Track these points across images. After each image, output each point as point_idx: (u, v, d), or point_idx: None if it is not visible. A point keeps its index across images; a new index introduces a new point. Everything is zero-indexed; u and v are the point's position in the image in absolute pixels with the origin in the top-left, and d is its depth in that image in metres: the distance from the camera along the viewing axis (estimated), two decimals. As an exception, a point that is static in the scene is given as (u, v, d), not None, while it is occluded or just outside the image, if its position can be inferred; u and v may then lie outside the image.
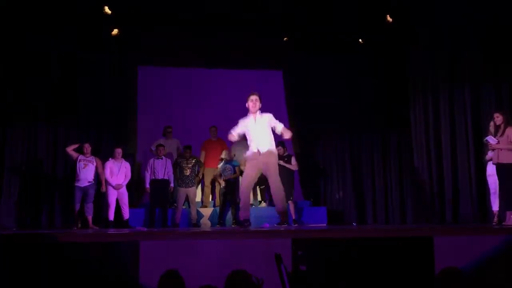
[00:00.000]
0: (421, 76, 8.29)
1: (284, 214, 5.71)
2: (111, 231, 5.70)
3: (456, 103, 7.77)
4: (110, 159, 8.05)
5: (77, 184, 7.73)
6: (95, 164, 7.84)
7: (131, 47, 8.95)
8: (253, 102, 5.62)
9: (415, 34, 8.33)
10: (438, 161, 7.99)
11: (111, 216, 7.88)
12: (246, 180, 5.64)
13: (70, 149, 7.85)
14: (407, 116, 8.54)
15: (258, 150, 5.55)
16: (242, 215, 5.60)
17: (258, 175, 5.79)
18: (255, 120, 5.64)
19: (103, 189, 7.86)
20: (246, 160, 5.76)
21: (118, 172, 7.98)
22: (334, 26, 8.63)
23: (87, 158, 7.83)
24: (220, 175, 8.31)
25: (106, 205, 7.97)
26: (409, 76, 8.51)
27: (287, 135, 5.60)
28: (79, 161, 7.78)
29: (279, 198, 5.59)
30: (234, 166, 8.29)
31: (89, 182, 7.76)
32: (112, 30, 8.43)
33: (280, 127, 5.64)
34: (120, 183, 7.95)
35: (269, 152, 5.56)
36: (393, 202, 9.00)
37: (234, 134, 5.67)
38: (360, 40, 9.01)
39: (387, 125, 9.17)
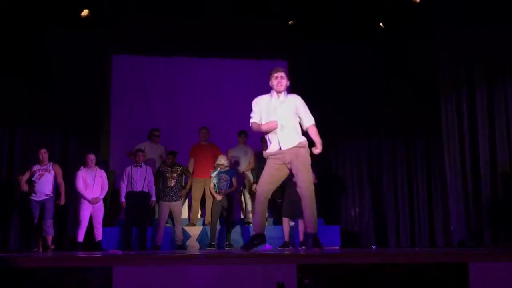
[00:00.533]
0: (453, 71, 8.36)
1: (315, 237, 5.20)
2: (80, 254, 5.70)
3: (495, 103, 7.85)
4: (81, 167, 8.02)
5: (33, 197, 7.70)
6: (53, 173, 7.83)
7: (105, 32, 8.93)
8: (278, 79, 5.11)
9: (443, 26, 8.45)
10: (474, 172, 8.02)
11: (81, 236, 7.86)
12: (264, 183, 5.09)
13: (23, 184, 7.72)
14: (436, 118, 8.57)
15: (279, 146, 5.04)
16: (255, 228, 5.19)
17: (283, 178, 5.21)
18: (279, 102, 5.12)
19: (62, 202, 7.81)
20: (266, 156, 5.20)
21: (93, 183, 7.97)
22: (350, 12, 8.67)
23: (43, 167, 7.80)
24: (214, 187, 8.24)
25: (76, 223, 7.94)
26: (439, 71, 8.56)
27: (318, 146, 5.10)
28: (35, 172, 7.75)
29: (310, 212, 5.09)
30: (231, 176, 8.23)
31: (46, 195, 7.72)
32: (82, 11, 8.41)
33: (308, 122, 5.16)
34: (97, 196, 7.95)
35: (297, 149, 5.03)
36: (420, 221, 9.00)
37: (257, 121, 5.14)
38: (380, 24, 9.05)
39: (412, 129, 9.19)
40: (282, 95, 5.17)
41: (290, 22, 9.16)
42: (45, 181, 7.73)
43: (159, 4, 8.48)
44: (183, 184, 8.54)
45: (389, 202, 9.23)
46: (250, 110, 5.25)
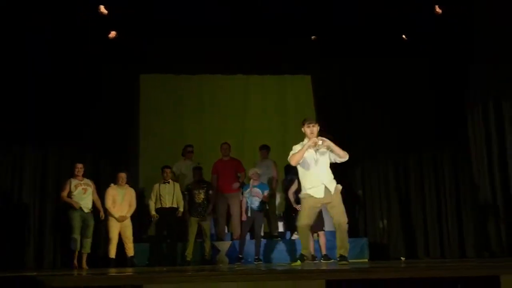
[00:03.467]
0: (481, 81, 8.23)
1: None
2: (111, 272, 5.75)
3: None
4: (112, 185, 8.13)
5: (77, 211, 7.74)
6: (92, 188, 7.95)
7: (132, 53, 9.07)
8: (310, 128, 5.92)
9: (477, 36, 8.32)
10: (503, 181, 7.88)
11: (113, 252, 7.94)
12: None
13: (65, 196, 7.81)
14: (464, 128, 8.46)
15: (325, 187, 5.88)
16: None
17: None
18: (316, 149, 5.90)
19: (102, 217, 7.92)
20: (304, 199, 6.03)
21: (122, 201, 8.05)
22: (372, 22, 8.63)
23: (83, 181, 7.88)
24: (246, 210, 8.06)
25: (106, 240, 8.03)
26: (469, 81, 8.44)
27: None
28: (76, 186, 7.83)
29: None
30: (263, 190, 8.14)
31: (89, 209, 7.85)
32: (109, 33, 8.58)
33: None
34: (124, 214, 8.04)
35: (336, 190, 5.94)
36: (449, 232, 8.86)
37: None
38: (403, 36, 9.01)
39: (439, 140, 9.08)
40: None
41: (313, 37, 9.15)
42: (88, 196, 7.86)
43: (184, 26, 8.60)
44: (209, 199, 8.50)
45: (417, 213, 9.11)
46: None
